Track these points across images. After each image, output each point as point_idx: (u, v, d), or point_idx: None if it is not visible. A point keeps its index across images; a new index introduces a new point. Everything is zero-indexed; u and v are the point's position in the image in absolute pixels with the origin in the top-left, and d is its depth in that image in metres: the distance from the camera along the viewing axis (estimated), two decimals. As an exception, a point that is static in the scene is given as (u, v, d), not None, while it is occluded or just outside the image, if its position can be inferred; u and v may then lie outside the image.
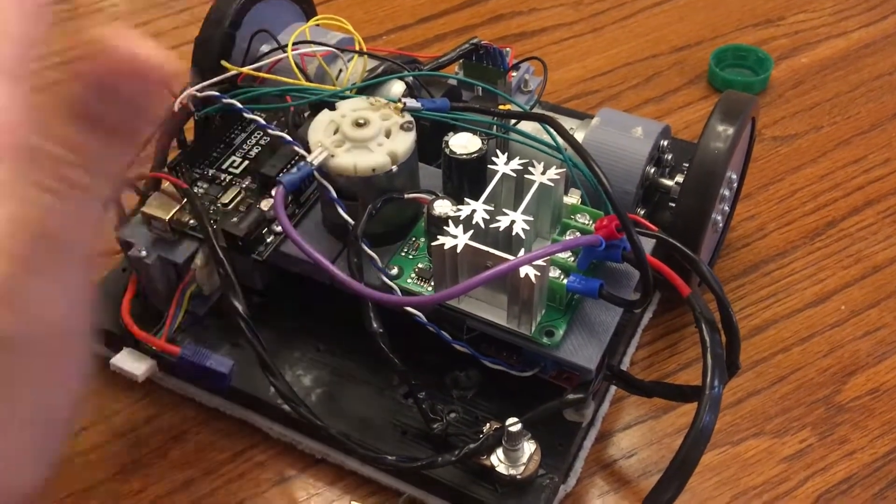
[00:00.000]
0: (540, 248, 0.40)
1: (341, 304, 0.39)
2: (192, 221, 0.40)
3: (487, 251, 0.35)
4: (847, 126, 0.58)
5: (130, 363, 0.41)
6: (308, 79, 0.45)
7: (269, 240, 0.41)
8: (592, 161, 0.37)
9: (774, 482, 0.41)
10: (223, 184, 0.43)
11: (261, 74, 0.43)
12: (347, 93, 0.43)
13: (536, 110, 0.48)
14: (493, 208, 0.37)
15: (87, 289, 0.20)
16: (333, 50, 0.46)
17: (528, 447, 0.37)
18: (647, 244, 0.39)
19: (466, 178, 0.40)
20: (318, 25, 0.50)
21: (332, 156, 0.38)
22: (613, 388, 0.43)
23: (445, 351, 0.38)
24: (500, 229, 0.36)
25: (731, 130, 0.42)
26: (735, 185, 0.47)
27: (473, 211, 0.37)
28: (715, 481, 0.41)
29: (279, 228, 0.40)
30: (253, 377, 0.40)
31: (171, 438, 0.43)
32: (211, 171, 0.44)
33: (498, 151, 0.39)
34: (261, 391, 0.41)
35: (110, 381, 0.43)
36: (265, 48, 0.49)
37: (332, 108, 0.40)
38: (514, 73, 0.49)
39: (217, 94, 0.42)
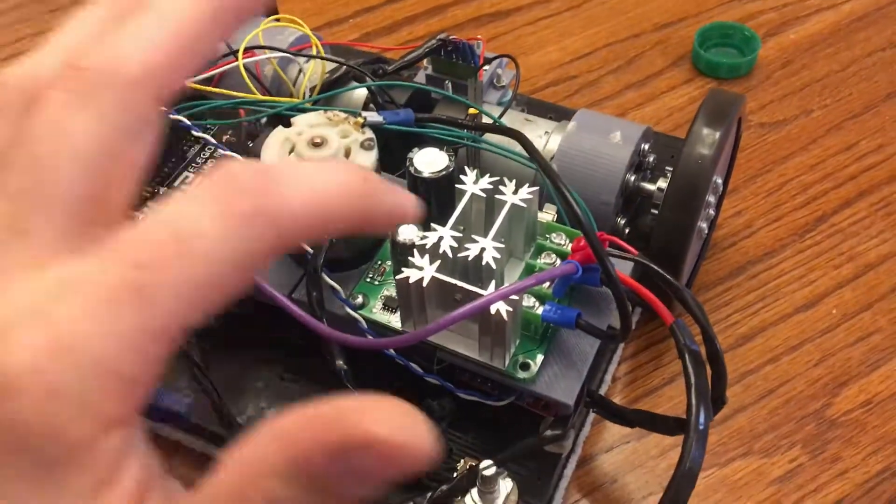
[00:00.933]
0: (513, 269, 0.37)
1: (305, 329, 0.37)
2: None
3: (455, 284, 0.33)
4: (838, 109, 0.56)
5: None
6: (263, 86, 0.42)
7: (224, 267, 0.38)
8: (563, 185, 0.34)
9: (764, 506, 0.39)
10: (175, 203, 0.40)
11: (208, 89, 0.40)
12: (305, 105, 0.40)
13: (511, 109, 0.45)
14: (461, 233, 0.34)
15: None
16: (289, 55, 0.43)
17: (505, 487, 0.35)
18: (627, 267, 0.36)
19: (433, 197, 0.38)
20: (276, 19, 0.46)
21: (287, 180, 0.35)
22: (595, 408, 0.41)
23: (416, 379, 0.36)
24: (470, 258, 0.34)
25: (716, 135, 0.39)
26: (721, 188, 0.44)
27: (441, 238, 0.34)
28: (702, 508, 0.39)
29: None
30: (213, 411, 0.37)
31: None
32: (162, 190, 0.41)
33: (467, 168, 0.36)
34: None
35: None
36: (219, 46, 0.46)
37: (288, 123, 0.37)
38: (485, 69, 0.46)
39: (163, 109, 0.39)
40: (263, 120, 0.42)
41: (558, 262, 0.36)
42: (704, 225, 0.42)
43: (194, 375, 0.34)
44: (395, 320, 0.36)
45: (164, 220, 0.15)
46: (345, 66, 0.43)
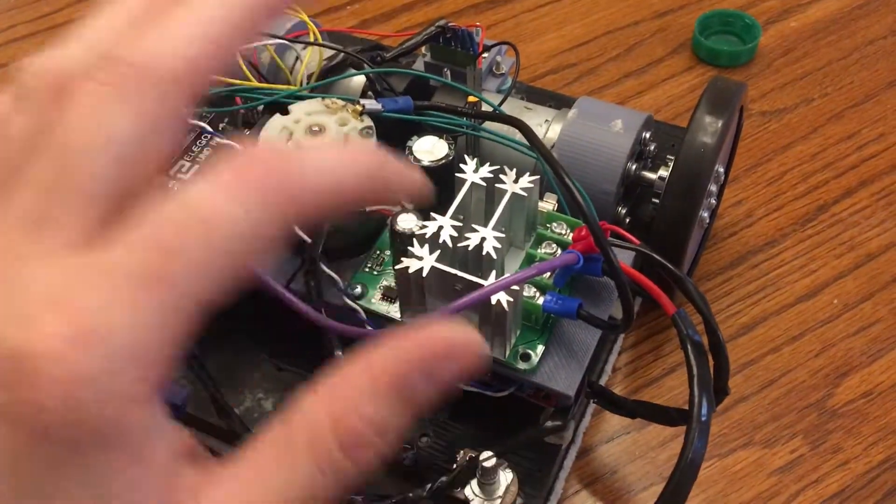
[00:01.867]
0: (513, 259, 0.37)
1: (303, 319, 0.37)
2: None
3: (455, 274, 0.32)
4: (840, 98, 0.55)
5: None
6: (260, 73, 0.42)
7: (221, 256, 0.38)
8: (565, 174, 0.34)
9: (765, 497, 0.39)
10: (171, 192, 0.40)
11: (205, 76, 0.40)
12: (302, 93, 0.39)
13: (511, 97, 0.44)
14: (461, 223, 0.34)
15: None
16: (286, 42, 0.42)
17: (505, 478, 0.35)
18: (628, 256, 0.36)
19: (433, 186, 0.37)
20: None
21: (285, 169, 0.35)
22: (595, 398, 0.41)
23: (415, 371, 0.35)
24: (470, 248, 0.33)
25: (718, 124, 0.39)
26: (722, 177, 0.44)
27: (440, 228, 0.33)
28: (702, 499, 0.39)
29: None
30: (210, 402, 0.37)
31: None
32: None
33: (467, 157, 0.36)
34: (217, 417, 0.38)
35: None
36: (215, 33, 0.45)
37: (285, 111, 0.37)
38: (485, 56, 0.45)
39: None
40: (260, 108, 0.41)
41: (559, 251, 0.36)
42: (706, 214, 0.42)
43: (191, 366, 0.34)
44: (394, 310, 0.36)
45: (187, 202, 0.16)
46: (343, 53, 0.43)
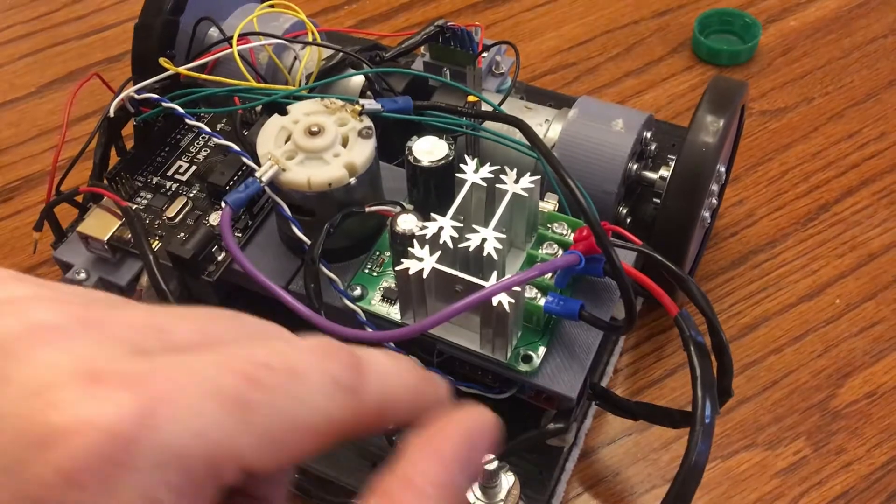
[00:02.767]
0: (514, 260, 0.37)
1: (302, 321, 0.36)
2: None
3: (456, 275, 0.32)
4: (840, 97, 0.55)
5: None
6: (258, 73, 0.41)
7: (220, 258, 0.37)
8: (566, 174, 0.33)
9: (768, 499, 0.38)
10: (169, 193, 0.39)
11: (202, 77, 0.39)
12: (301, 93, 0.39)
13: (511, 97, 0.44)
14: (462, 223, 0.33)
15: None
16: (284, 42, 0.42)
17: (507, 481, 0.35)
18: (630, 257, 0.36)
19: (433, 186, 0.37)
20: (270, 5, 0.45)
21: (284, 170, 0.34)
22: (597, 400, 0.41)
23: (416, 372, 0.35)
24: (471, 249, 0.33)
25: (720, 123, 0.38)
26: (724, 176, 0.44)
27: (441, 228, 0.33)
28: (705, 501, 0.38)
29: (230, 245, 0.37)
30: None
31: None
32: (155, 179, 0.40)
33: (467, 157, 0.35)
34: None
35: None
36: (214, 32, 0.45)
37: (283, 111, 0.36)
38: (484, 56, 0.45)
39: (157, 97, 0.38)
40: (259, 108, 0.41)
41: (560, 252, 0.35)
42: (707, 214, 0.41)
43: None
44: (394, 312, 0.36)
45: (278, 352, 0.16)
46: (341, 53, 0.42)
